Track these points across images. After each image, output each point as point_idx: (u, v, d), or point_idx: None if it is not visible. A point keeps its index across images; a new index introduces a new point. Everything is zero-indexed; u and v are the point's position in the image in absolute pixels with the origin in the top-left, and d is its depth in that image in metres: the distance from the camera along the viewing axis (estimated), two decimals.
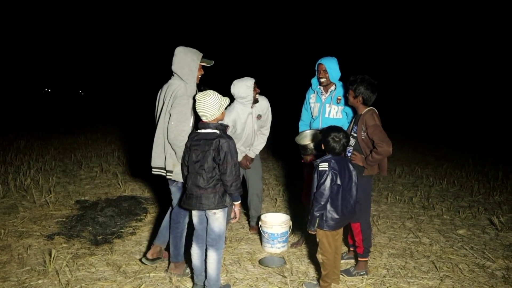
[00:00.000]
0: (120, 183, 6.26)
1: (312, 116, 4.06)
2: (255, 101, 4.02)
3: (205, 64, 3.46)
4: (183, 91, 3.27)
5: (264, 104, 4.16)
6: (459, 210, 5.39)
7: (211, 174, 2.96)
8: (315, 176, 3.06)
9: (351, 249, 3.81)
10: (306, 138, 3.97)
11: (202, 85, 3.56)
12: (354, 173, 3.15)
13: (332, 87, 3.91)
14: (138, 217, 4.86)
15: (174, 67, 3.35)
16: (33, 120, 15.86)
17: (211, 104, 2.97)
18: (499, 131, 12.91)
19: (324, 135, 3.17)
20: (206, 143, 2.96)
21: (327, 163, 3.04)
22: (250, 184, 4.36)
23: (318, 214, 3.03)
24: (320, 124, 3.93)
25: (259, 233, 4.17)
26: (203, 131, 3.02)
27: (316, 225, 3.06)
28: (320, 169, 3.05)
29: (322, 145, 3.18)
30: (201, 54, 3.42)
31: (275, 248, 3.93)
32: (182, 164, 3.16)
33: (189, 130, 3.21)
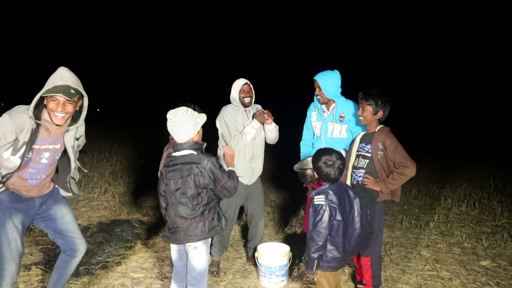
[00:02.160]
0: (116, 206, 5.93)
1: (314, 135, 3.67)
2: (244, 105, 3.69)
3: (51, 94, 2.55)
4: (15, 109, 2.60)
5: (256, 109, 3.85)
6: (481, 237, 4.88)
7: (196, 201, 2.61)
8: (310, 211, 2.63)
9: (359, 286, 3.36)
10: (306, 165, 3.56)
11: (182, 101, 3.20)
12: (356, 201, 2.72)
13: (333, 104, 3.53)
14: (129, 244, 4.50)
15: None
16: None
17: (184, 123, 2.62)
18: None
19: (314, 161, 2.73)
20: (184, 167, 2.61)
21: (323, 196, 2.59)
22: (252, 214, 3.95)
23: (316, 256, 2.59)
24: (323, 145, 3.53)
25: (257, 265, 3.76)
26: (177, 154, 2.67)
27: (314, 268, 2.62)
28: (315, 203, 2.60)
29: (315, 173, 2.76)
30: (53, 88, 2.52)
31: (272, 283, 3.50)
32: (158, 195, 2.80)
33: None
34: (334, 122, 3.50)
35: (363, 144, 3.17)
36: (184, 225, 2.63)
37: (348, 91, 3.60)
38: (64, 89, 2.51)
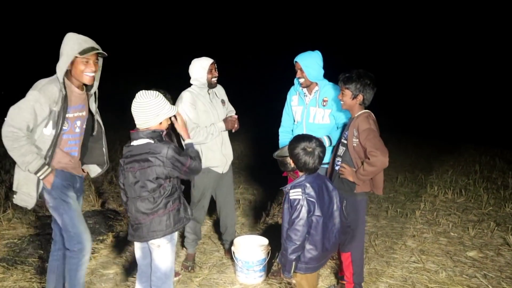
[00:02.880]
0: (92, 196, 5.66)
1: (295, 121, 3.44)
2: (211, 85, 3.45)
3: (78, 56, 2.58)
4: (39, 84, 2.60)
5: (221, 90, 3.65)
6: (468, 226, 4.75)
7: (158, 193, 2.39)
8: (286, 206, 2.39)
9: (341, 281, 3.17)
10: (287, 152, 3.34)
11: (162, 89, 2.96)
12: (335, 193, 2.49)
13: (316, 87, 3.29)
14: (100, 237, 4.26)
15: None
16: None
17: (148, 108, 2.40)
18: (505, 129, 12.24)
19: (291, 147, 2.46)
20: (141, 158, 2.38)
21: (300, 189, 2.33)
22: (222, 205, 3.74)
23: (294, 257, 2.34)
24: (304, 130, 3.30)
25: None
26: (135, 143, 2.44)
27: (292, 271, 2.38)
28: (291, 197, 2.34)
29: (291, 161, 2.49)
30: (88, 44, 2.61)
31: (250, 278, 3.31)
32: (119, 188, 2.57)
33: (21, 131, 2.48)
34: (317, 106, 3.27)
35: (345, 131, 2.96)
36: (147, 221, 2.42)
37: (331, 73, 3.36)
38: (96, 48, 2.62)
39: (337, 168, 2.92)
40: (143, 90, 2.49)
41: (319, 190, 2.39)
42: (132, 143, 2.48)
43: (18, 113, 2.47)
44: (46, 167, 2.58)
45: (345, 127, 3.01)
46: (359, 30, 19.22)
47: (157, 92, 2.52)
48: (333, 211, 2.44)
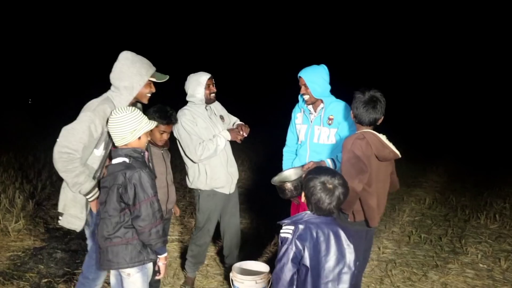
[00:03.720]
0: None
1: (299, 140, 3.20)
2: (209, 101, 3.27)
3: (154, 80, 2.71)
4: (92, 105, 2.56)
5: (218, 105, 3.47)
6: (499, 257, 4.31)
7: (117, 219, 2.24)
8: (279, 244, 2.05)
9: None
10: (286, 178, 3.07)
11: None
12: (350, 250, 1.97)
13: (322, 105, 3.04)
14: None
15: (112, 75, 2.64)
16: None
17: (122, 124, 2.29)
18: None
19: (308, 177, 2.05)
20: (111, 177, 2.25)
21: (292, 227, 1.96)
22: (226, 227, 3.52)
23: None
24: (308, 151, 3.06)
25: None
26: (113, 161, 2.31)
27: None
28: (281, 234, 2.00)
29: (303, 194, 2.10)
30: (153, 68, 2.70)
31: None
32: None
33: (77, 152, 2.43)
34: (322, 125, 3.01)
35: None
36: (104, 247, 2.29)
37: (339, 89, 3.11)
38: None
39: None
40: (117, 107, 2.42)
41: (321, 238, 1.94)
42: (111, 162, 2.36)
43: (73, 134, 2.42)
44: (96, 189, 2.52)
45: None
46: (373, 43, 18.61)
47: (132, 107, 2.42)
48: (341, 273, 1.94)
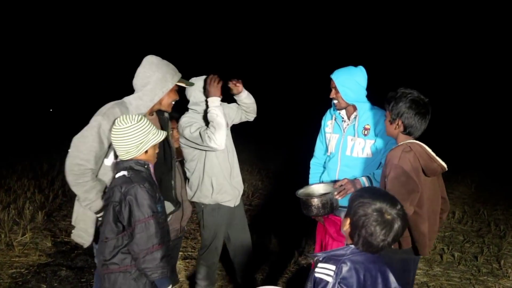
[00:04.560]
0: None
1: (328, 151, 2.85)
2: None
3: (182, 85, 2.53)
4: (103, 108, 2.33)
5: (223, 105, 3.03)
6: None
7: (115, 242, 1.96)
8: (309, 286, 1.67)
9: None
10: (313, 193, 2.72)
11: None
12: None
13: (355, 112, 2.69)
14: None
15: (135, 81, 2.41)
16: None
17: (129, 136, 2.02)
18: None
19: (358, 202, 1.62)
20: (109, 194, 2.01)
21: (334, 267, 1.58)
22: (237, 245, 3.19)
23: None
24: (338, 165, 2.71)
25: None
26: (116, 175, 2.06)
27: None
28: (317, 275, 1.61)
29: (347, 222, 1.66)
30: (179, 75, 2.51)
31: None
32: None
33: (88, 163, 2.21)
34: (356, 135, 2.66)
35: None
36: (101, 273, 2.02)
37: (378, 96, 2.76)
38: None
39: None
40: (122, 116, 2.12)
41: (368, 281, 1.57)
42: (115, 176, 2.09)
43: (83, 142, 2.22)
44: None
45: None
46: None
47: (140, 115, 2.13)
48: None
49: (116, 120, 2.07)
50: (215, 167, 2.89)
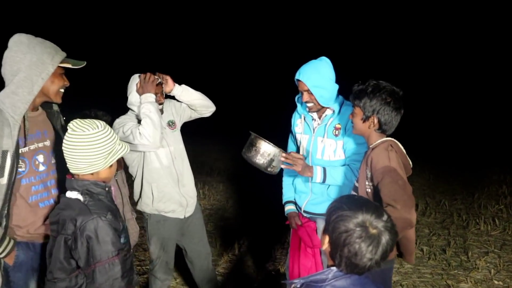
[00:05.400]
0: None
1: (299, 152, 2.63)
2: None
3: (68, 66, 1.98)
4: None
5: (168, 107, 2.79)
6: None
7: (67, 283, 1.64)
8: None
9: None
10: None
11: (92, 109, 2.21)
12: None
13: (329, 112, 2.48)
14: None
15: (2, 70, 1.90)
16: None
17: (93, 146, 1.67)
18: None
19: (336, 214, 1.37)
20: (61, 221, 1.65)
21: None
22: (193, 257, 2.94)
23: None
24: None
25: None
26: (67, 194, 1.71)
27: None
28: None
29: (326, 241, 1.40)
30: (61, 53, 1.95)
31: None
32: None
33: None
34: (326, 136, 2.45)
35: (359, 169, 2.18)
36: None
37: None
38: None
39: None
40: (78, 120, 1.72)
41: None
42: (66, 194, 1.74)
43: None
44: (7, 242, 1.81)
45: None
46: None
47: (103, 122, 1.76)
48: None
49: (72, 126, 1.69)
50: (155, 172, 2.61)
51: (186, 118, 2.84)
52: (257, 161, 2.31)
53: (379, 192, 1.91)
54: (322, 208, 2.50)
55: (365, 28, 17.82)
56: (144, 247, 4.39)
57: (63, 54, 1.95)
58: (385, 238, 1.32)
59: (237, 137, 2.66)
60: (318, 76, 2.33)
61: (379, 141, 2.06)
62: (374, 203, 1.43)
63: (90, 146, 1.66)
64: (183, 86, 2.69)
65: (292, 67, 2.57)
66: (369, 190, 2.03)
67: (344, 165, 2.41)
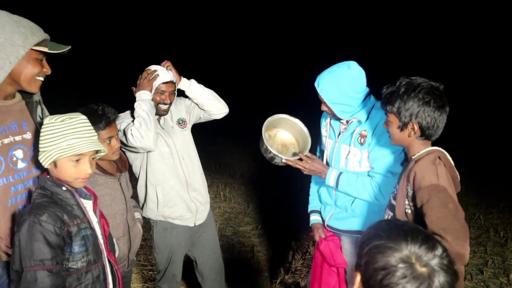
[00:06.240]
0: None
1: (323, 160, 2.31)
2: (159, 113, 2.39)
3: (45, 50, 1.66)
4: None
5: (180, 105, 2.56)
6: None
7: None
8: None
9: None
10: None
11: (100, 103, 1.98)
12: None
13: (355, 120, 2.14)
14: None
15: None
16: None
17: (44, 133, 1.56)
18: None
19: (371, 244, 1.02)
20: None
21: None
22: (204, 271, 2.67)
23: None
24: None
25: None
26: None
27: None
28: None
29: (358, 279, 1.05)
30: (38, 35, 1.63)
31: None
32: None
33: None
34: (352, 144, 2.12)
35: (396, 184, 1.85)
36: None
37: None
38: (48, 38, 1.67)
39: None
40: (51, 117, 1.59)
41: None
42: None
43: None
44: None
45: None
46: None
47: (77, 115, 1.61)
48: None
49: (45, 119, 1.56)
50: (159, 173, 2.37)
51: (195, 118, 2.59)
52: (263, 153, 2.28)
53: (424, 217, 1.57)
54: (347, 225, 2.24)
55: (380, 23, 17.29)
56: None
57: (42, 36, 1.64)
58: (438, 280, 0.96)
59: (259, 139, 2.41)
60: (337, 92, 2.02)
61: (423, 151, 1.73)
62: (424, 231, 1.07)
63: (43, 133, 1.55)
64: (192, 80, 2.46)
65: (319, 63, 2.26)
66: (409, 211, 1.69)
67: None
